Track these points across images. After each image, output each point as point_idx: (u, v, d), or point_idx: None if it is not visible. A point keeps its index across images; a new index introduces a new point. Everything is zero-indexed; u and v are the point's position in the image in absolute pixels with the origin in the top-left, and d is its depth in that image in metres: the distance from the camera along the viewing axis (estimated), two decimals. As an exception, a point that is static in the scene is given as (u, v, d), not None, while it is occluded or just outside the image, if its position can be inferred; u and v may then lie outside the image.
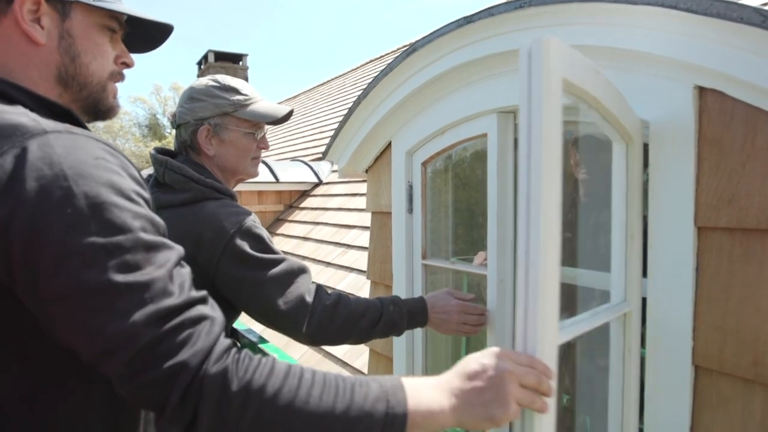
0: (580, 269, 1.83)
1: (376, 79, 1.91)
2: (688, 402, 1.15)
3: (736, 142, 1.06)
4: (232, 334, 1.62)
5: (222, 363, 0.65)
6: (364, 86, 2.02)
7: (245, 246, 1.23)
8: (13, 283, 0.65)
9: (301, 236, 5.16)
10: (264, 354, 1.43)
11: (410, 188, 1.96)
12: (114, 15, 0.86)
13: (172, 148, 1.43)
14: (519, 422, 0.78)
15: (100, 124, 1.07)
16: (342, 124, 2.15)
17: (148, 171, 1.19)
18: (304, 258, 4.66)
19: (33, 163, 0.64)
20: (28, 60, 0.78)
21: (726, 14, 0.96)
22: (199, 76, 15.28)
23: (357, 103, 2.04)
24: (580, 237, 2.02)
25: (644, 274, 1.23)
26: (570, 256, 1.90)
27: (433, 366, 1.97)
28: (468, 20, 1.49)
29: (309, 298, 1.25)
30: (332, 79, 12.30)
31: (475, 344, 2.15)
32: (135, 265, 0.64)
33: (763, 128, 1.03)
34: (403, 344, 2.00)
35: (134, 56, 0.94)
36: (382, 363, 2.27)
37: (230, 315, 1.35)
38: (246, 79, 15.44)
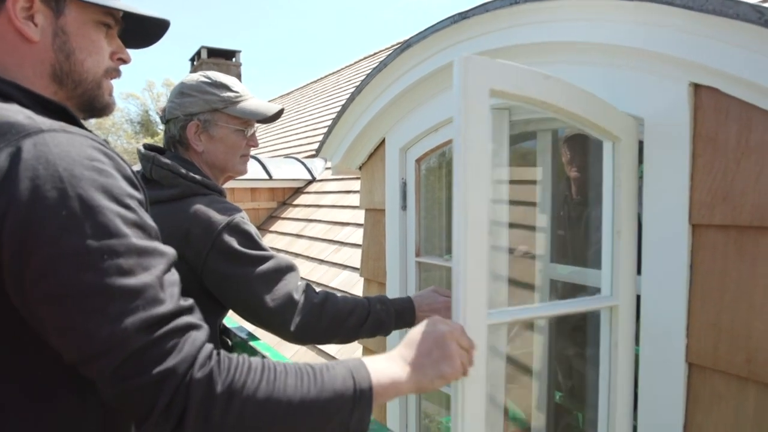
0: (573, 267, 1.83)
1: (370, 76, 1.90)
2: (682, 399, 1.15)
3: (731, 140, 1.06)
4: (224, 332, 1.60)
5: (207, 368, 0.67)
6: (358, 83, 2.01)
7: (233, 242, 1.22)
8: (1, 282, 0.65)
9: (295, 233, 5.14)
10: (256, 352, 1.42)
11: (404, 185, 1.95)
12: (109, 11, 0.85)
13: (162, 145, 1.42)
14: (453, 391, 0.92)
15: (92, 121, 1.05)
16: (335, 120, 2.14)
17: (136, 167, 1.18)
18: (298, 255, 4.65)
19: (28, 162, 0.64)
20: (22, 58, 0.78)
21: (722, 11, 0.96)
22: (191, 72, 15.16)
23: (351, 99, 2.03)
24: (574, 235, 2.02)
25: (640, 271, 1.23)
26: (562, 254, 1.90)
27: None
28: (463, 16, 1.48)
29: (297, 296, 1.24)
30: (326, 76, 12.27)
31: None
32: (128, 270, 0.65)
33: (758, 126, 1.02)
34: (396, 341, 1.99)
35: (131, 61, 0.93)
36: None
37: (218, 312, 1.34)
38: (239, 75, 15.37)
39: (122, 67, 0.91)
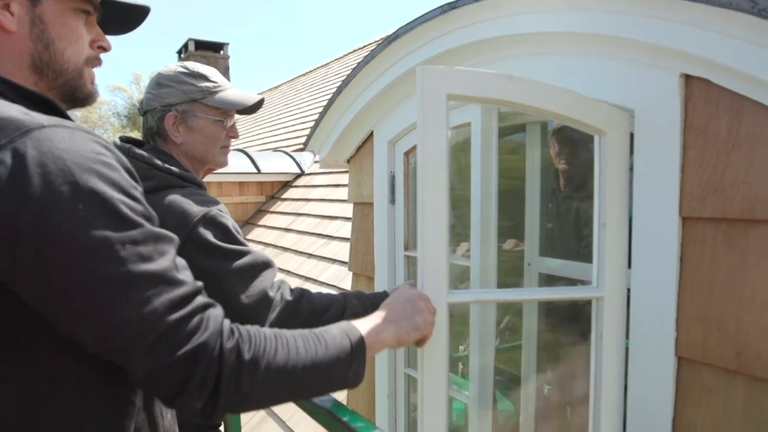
0: (563, 260, 1.82)
1: (358, 67, 1.88)
2: (671, 393, 1.15)
3: (722, 131, 1.05)
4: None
5: (233, 339, 0.73)
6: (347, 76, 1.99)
7: (209, 235, 1.19)
8: (12, 280, 0.65)
9: (283, 227, 5.11)
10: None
11: (392, 178, 1.93)
12: None
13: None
14: (420, 357, 1.09)
15: (77, 113, 1.02)
16: (323, 113, 2.11)
17: None
18: (286, 249, 4.62)
19: (35, 158, 0.64)
20: (0, 49, 0.76)
21: (715, 0, 0.95)
22: (179, 65, 15.00)
23: (338, 91, 2.00)
24: (562, 228, 2.01)
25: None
26: (550, 248, 1.89)
27: (413, 349, 1.96)
28: (452, 6, 1.46)
29: (272, 294, 1.22)
30: (315, 69, 12.18)
31: (456, 336, 2.14)
32: (148, 257, 0.68)
33: (749, 117, 1.02)
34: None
35: (114, 44, 0.91)
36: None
37: None
38: (227, 68, 15.24)
39: (109, 60, 0.90)
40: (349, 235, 2.61)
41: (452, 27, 1.51)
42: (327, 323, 1.31)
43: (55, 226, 0.63)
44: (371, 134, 2.02)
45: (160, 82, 1.34)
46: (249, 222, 5.93)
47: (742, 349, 1.04)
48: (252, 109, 1.41)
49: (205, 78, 1.35)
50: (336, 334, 0.86)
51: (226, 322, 0.75)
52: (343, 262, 3.59)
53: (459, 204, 1.62)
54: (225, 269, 1.19)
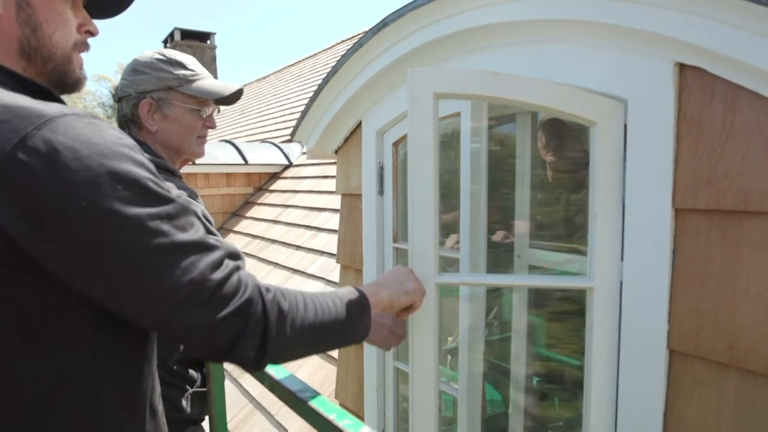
0: (554, 253, 1.81)
1: (346, 56, 1.84)
2: (663, 385, 1.13)
3: (716, 122, 1.03)
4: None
5: (271, 293, 0.80)
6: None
7: None
8: (62, 270, 0.67)
9: (271, 219, 5.06)
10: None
11: (381, 169, 1.90)
12: None
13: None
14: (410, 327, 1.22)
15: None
16: (310, 102, 2.07)
17: None
18: (274, 241, 4.58)
19: (68, 146, 0.65)
20: None
21: (711, -14, 0.92)
22: (165, 54, 14.79)
23: (326, 80, 1.96)
24: (551, 220, 2.00)
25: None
26: (538, 238, 1.88)
27: (402, 347, 1.94)
28: (442, -7, 1.42)
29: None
30: (303, 60, 12.06)
31: (447, 326, 2.12)
32: (184, 227, 0.73)
33: (744, 107, 1.00)
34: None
35: (99, 33, 0.89)
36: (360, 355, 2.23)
37: None
38: (214, 58, 15.07)
39: (94, 49, 0.89)
40: (337, 227, 2.58)
41: (442, 15, 1.47)
42: None
43: (100, 208, 0.65)
44: (359, 125, 1.98)
45: (135, 69, 1.31)
46: (236, 214, 5.87)
47: (735, 342, 1.03)
48: (230, 99, 1.38)
49: (182, 65, 1.32)
50: (345, 294, 0.97)
51: (259, 279, 0.82)
52: (331, 254, 3.56)
53: (449, 193, 1.60)
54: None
